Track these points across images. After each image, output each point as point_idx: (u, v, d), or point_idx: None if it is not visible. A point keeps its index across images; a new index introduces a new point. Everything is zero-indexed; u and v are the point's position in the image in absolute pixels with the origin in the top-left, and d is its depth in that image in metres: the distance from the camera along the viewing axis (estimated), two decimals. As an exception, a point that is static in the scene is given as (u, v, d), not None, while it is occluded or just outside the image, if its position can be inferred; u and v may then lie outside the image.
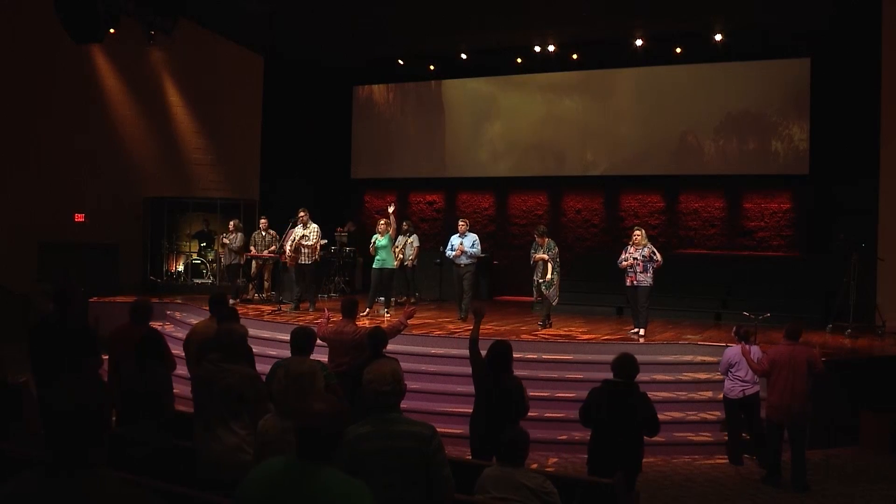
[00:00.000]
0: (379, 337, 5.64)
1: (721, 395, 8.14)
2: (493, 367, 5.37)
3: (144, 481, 3.79)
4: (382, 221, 11.07)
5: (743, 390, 7.18)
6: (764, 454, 6.96)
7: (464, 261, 10.62)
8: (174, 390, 8.38)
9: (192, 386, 5.29)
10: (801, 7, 11.62)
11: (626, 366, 5.10)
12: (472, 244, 10.70)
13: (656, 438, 7.53)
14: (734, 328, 7.55)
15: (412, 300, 12.66)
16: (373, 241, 10.96)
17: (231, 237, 12.19)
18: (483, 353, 5.77)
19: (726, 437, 7.54)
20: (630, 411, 4.99)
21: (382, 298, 11.19)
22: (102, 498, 1.90)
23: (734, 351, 7.25)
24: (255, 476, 2.52)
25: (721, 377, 8.35)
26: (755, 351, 7.03)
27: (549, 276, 9.77)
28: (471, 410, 7.77)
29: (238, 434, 3.99)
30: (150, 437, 4.46)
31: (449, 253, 10.82)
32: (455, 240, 10.80)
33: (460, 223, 10.94)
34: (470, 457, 5.60)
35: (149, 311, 6.00)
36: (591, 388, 5.28)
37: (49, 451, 1.94)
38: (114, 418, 5.35)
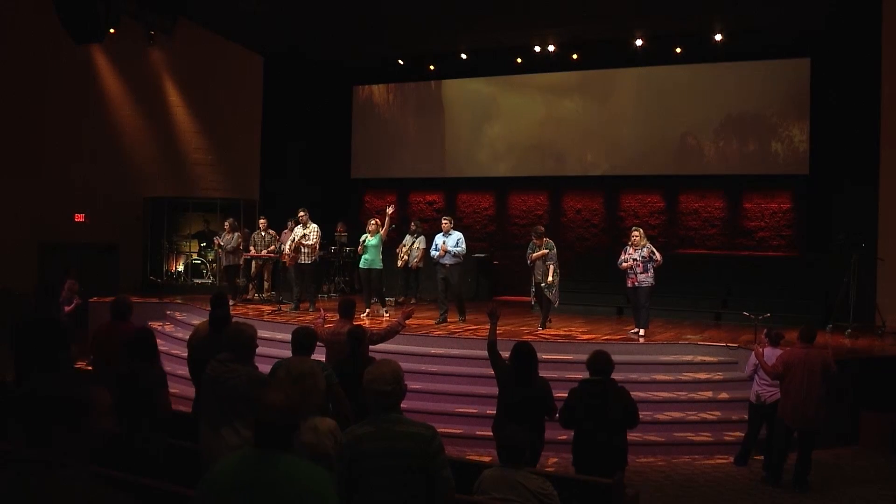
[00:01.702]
0: (357, 336, 5.56)
1: (721, 395, 8.16)
2: (522, 369, 5.30)
3: (145, 481, 3.80)
4: (373, 221, 10.98)
5: (768, 396, 7.03)
6: (771, 455, 6.90)
7: (448, 261, 10.26)
8: (174, 390, 8.40)
9: (199, 384, 5.28)
10: (800, 7, 11.62)
11: (599, 363, 5.09)
12: (456, 243, 10.26)
13: (656, 438, 7.59)
14: (764, 330, 7.47)
15: (413, 300, 12.64)
16: (362, 240, 10.89)
17: (227, 238, 12.11)
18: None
19: (737, 438, 7.49)
20: (607, 408, 4.98)
21: (376, 299, 11.10)
22: (75, 496, 1.90)
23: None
24: (217, 468, 2.56)
25: (720, 378, 8.38)
26: (771, 353, 6.97)
27: (549, 278, 9.72)
28: (471, 410, 7.86)
29: (242, 435, 3.99)
30: (143, 436, 4.46)
31: (433, 253, 10.48)
32: (439, 239, 10.41)
33: (443, 221, 10.56)
34: (470, 457, 5.59)
35: (128, 307, 5.98)
36: (570, 389, 5.27)
37: (28, 448, 1.94)
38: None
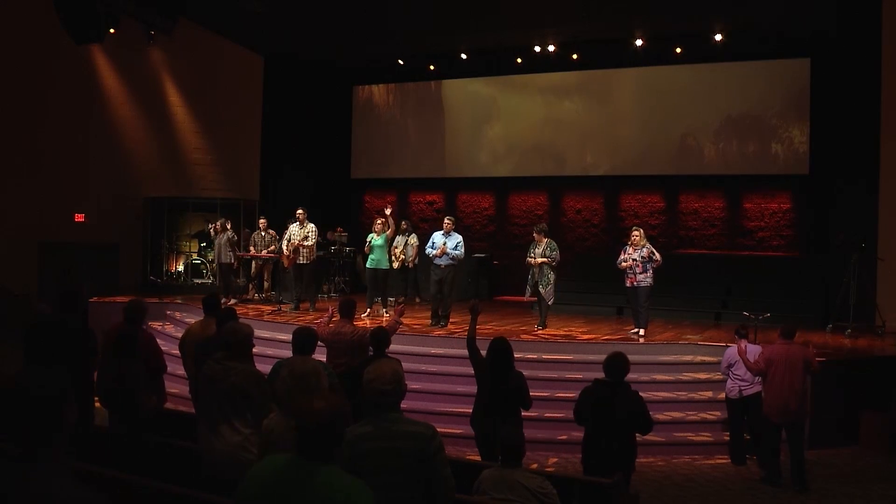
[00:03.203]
0: (382, 337, 5.65)
1: (721, 395, 8.15)
2: (498, 365, 5.36)
3: (144, 481, 3.80)
4: (379, 221, 10.98)
5: (741, 390, 7.18)
6: (763, 454, 6.96)
7: (444, 262, 9.94)
8: (173, 390, 8.41)
9: (196, 384, 5.29)
10: (801, 7, 11.62)
11: (614, 365, 5.10)
12: (456, 245, 9.96)
13: (656, 438, 7.57)
14: (736, 328, 7.54)
15: (417, 299, 12.64)
16: (368, 240, 10.90)
17: (219, 237, 12.01)
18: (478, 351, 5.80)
19: (728, 437, 7.55)
20: (617, 411, 4.99)
21: (380, 298, 11.12)
22: (48, 492, 1.91)
23: (734, 350, 7.24)
24: (256, 473, 2.52)
25: (721, 377, 8.38)
26: (753, 350, 7.01)
27: (538, 259, 9.62)
28: (471, 410, 7.84)
29: (241, 433, 3.99)
30: (131, 435, 4.46)
31: (429, 251, 10.15)
32: (438, 238, 10.08)
33: (446, 221, 10.30)
34: (470, 457, 5.60)
35: (142, 311, 5.97)
36: (583, 388, 5.29)
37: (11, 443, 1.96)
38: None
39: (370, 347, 5.76)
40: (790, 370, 6.55)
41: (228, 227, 12.25)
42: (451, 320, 10.24)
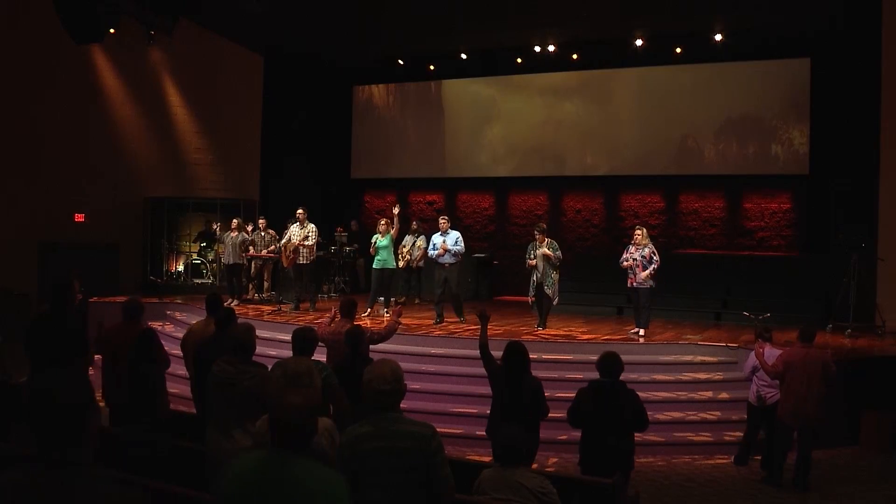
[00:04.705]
0: (356, 336, 5.53)
1: (722, 395, 8.16)
2: (514, 369, 5.31)
3: (145, 482, 3.79)
4: (383, 221, 11.00)
5: (767, 397, 7.02)
6: (771, 455, 6.90)
7: (447, 260, 10.20)
8: (174, 390, 8.42)
9: (197, 384, 5.26)
10: (801, 7, 11.63)
11: (613, 364, 5.09)
12: (455, 241, 10.23)
13: (656, 438, 7.58)
14: (756, 330, 7.46)
15: (416, 300, 12.64)
16: (373, 241, 10.91)
17: (232, 236, 12.06)
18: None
19: (728, 436, 7.51)
20: (618, 410, 4.98)
21: (382, 298, 11.15)
22: (92, 495, 1.90)
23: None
24: (233, 468, 2.54)
25: (720, 378, 8.38)
26: (771, 353, 6.96)
27: (547, 254, 9.62)
28: (471, 410, 7.85)
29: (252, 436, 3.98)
30: (147, 437, 4.46)
31: (431, 252, 10.45)
32: (437, 238, 10.39)
33: (441, 220, 10.54)
34: (470, 457, 5.59)
35: (140, 309, 6.01)
36: (579, 389, 5.27)
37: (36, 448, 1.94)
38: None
39: (348, 346, 5.65)
40: (808, 374, 6.47)
41: (248, 227, 12.22)
42: (449, 320, 10.27)
